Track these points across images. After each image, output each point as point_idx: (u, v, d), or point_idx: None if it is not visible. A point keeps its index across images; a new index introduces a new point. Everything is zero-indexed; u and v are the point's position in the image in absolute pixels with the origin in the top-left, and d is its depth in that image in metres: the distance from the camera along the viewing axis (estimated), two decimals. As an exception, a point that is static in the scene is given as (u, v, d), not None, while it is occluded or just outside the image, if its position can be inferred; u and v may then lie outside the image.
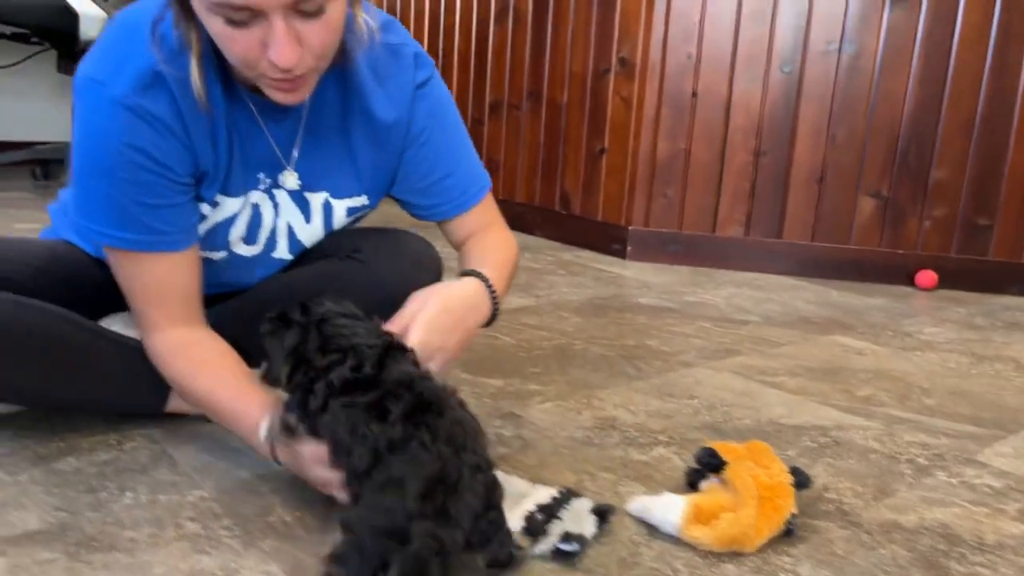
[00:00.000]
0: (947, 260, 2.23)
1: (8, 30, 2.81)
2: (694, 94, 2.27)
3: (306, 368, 0.78)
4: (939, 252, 2.24)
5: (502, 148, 2.79)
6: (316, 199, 1.03)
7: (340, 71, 0.94)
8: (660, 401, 1.26)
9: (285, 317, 0.81)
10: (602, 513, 0.86)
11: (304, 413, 0.79)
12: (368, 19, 0.92)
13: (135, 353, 1.02)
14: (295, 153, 0.98)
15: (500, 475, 0.91)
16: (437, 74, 1.05)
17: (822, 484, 1.00)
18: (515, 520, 0.82)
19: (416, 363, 0.80)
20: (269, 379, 0.82)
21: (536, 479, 0.95)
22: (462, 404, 0.78)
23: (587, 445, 1.08)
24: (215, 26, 0.77)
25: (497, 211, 1.12)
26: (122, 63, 0.85)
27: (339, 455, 0.76)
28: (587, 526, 0.84)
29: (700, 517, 0.87)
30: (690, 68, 2.26)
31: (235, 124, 0.92)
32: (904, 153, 2.20)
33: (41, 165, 3.12)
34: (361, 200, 1.06)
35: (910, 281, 2.24)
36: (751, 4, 2.19)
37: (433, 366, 0.86)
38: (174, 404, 1.05)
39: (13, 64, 3.17)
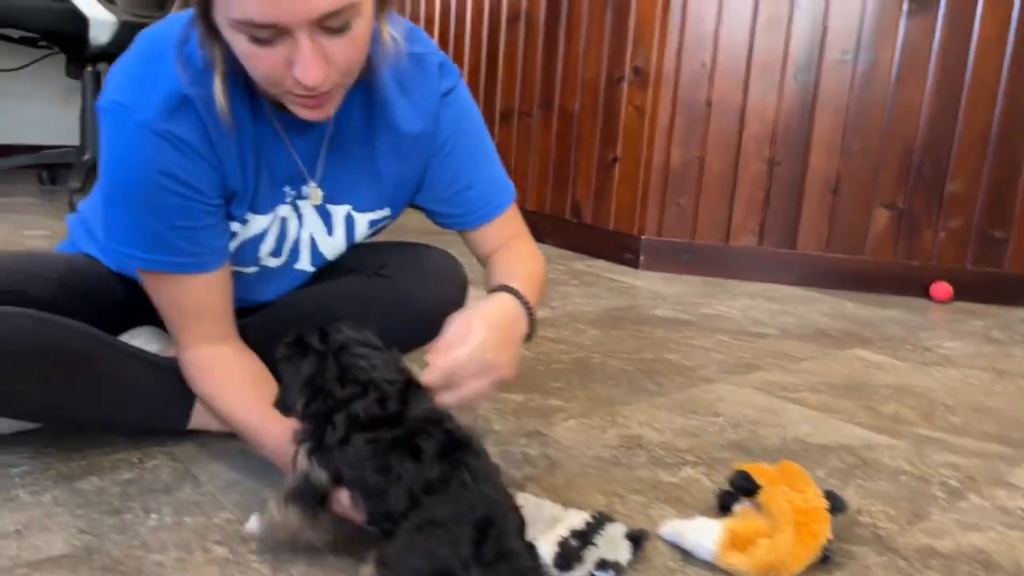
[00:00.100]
0: (962, 272, 2.22)
1: (16, 33, 2.79)
2: (708, 103, 2.26)
3: (324, 398, 0.75)
4: (954, 264, 2.22)
5: (513, 155, 2.77)
6: (338, 212, 1.02)
7: (364, 84, 0.93)
8: (684, 418, 1.25)
9: (302, 342, 0.78)
10: (636, 539, 0.84)
11: (319, 445, 0.76)
12: (394, 32, 0.90)
13: (157, 369, 1.01)
14: (319, 167, 0.97)
15: (531, 498, 0.91)
16: (462, 83, 1.03)
17: (855, 507, 0.99)
18: (548, 546, 0.80)
19: (433, 401, 0.78)
20: (283, 407, 0.79)
21: (566, 501, 0.93)
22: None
23: (614, 465, 1.07)
24: (239, 44, 0.76)
25: (522, 222, 1.10)
26: (149, 87, 0.83)
27: (367, 495, 0.74)
28: (622, 552, 0.82)
29: (736, 543, 0.85)
30: (704, 77, 2.24)
31: (261, 141, 0.91)
32: (919, 164, 2.19)
33: (48, 170, 3.10)
34: (383, 212, 1.05)
35: (925, 293, 2.23)
36: (766, 13, 2.18)
37: (492, 386, 0.84)
38: (196, 421, 1.04)
39: (21, 67, 3.15)
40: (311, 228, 1.01)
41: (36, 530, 0.83)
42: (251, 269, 1.02)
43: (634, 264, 2.37)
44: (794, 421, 1.27)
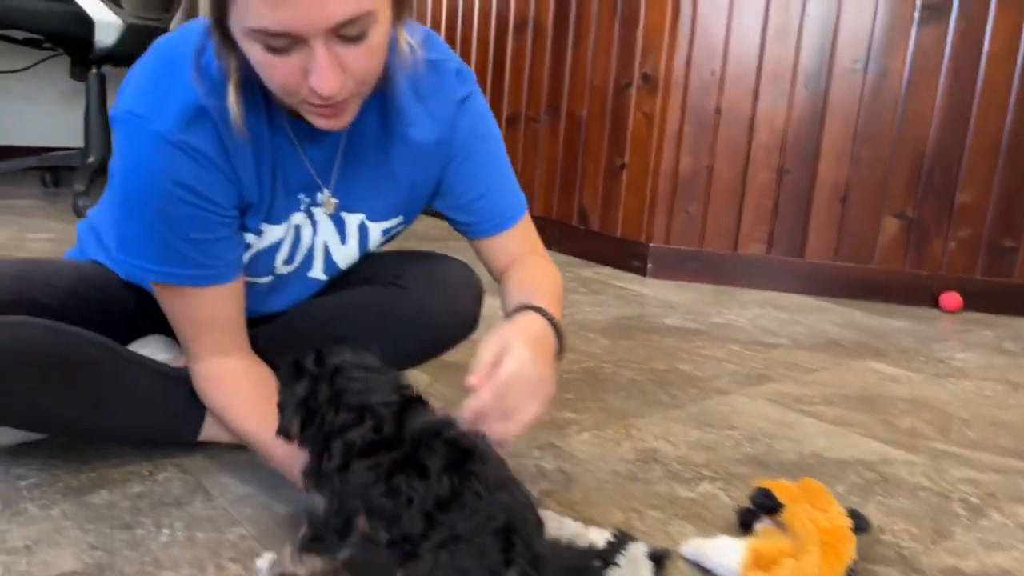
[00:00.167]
0: (972, 282, 2.20)
1: (20, 35, 2.77)
2: (718, 110, 2.25)
3: (319, 424, 0.72)
4: (963, 274, 2.21)
5: (519, 161, 2.76)
6: (352, 221, 1.00)
7: (380, 92, 0.91)
8: (699, 431, 1.23)
9: (299, 365, 0.75)
10: (658, 559, 0.83)
11: (317, 472, 0.74)
12: (411, 40, 0.89)
13: (167, 380, 0.99)
14: (333, 176, 0.95)
15: (552, 515, 0.89)
16: (478, 89, 1.02)
17: (877, 525, 0.97)
18: (570, 565, 0.78)
19: (434, 412, 0.76)
20: (281, 431, 0.76)
21: (584, 518, 0.92)
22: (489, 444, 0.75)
23: (631, 480, 1.05)
24: (255, 54, 0.74)
25: (536, 236, 1.08)
26: (165, 97, 0.82)
27: (380, 520, 0.72)
28: (644, 573, 0.80)
29: (760, 563, 0.83)
30: (714, 84, 2.23)
31: (276, 151, 0.90)
32: (929, 173, 2.18)
33: (51, 172, 3.08)
34: (396, 221, 1.04)
35: (934, 302, 2.22)
36: (777, 21, 2.17)
37: (546, 405, 0.80)
38: (206, 433, 1.02)
39: (24, 69, 3.14)
40: (325, 236, 1.00)
41: (46, 545, 0.81)
42: (265, 279, 1.00)
43: (642, 272, 2.36)
44: (810, 435, 1.25)
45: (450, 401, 0.76)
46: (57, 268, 1.05)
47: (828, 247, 2.26)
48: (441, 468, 0.70)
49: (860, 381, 1.54)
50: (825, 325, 1.95)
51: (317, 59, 0.72)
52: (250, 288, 0.99)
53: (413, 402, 0.74)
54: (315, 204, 0.96)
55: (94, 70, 2.72)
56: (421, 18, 3.19)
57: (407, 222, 1.05)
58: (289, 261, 1.00)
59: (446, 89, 0.97)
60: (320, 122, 0.81)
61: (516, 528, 0.66)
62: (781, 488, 0.93)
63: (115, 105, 0.85)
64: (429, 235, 2.65)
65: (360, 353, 0.75)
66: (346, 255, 1.03)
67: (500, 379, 0.75)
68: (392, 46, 0.85)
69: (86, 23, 2.46)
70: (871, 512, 1.01)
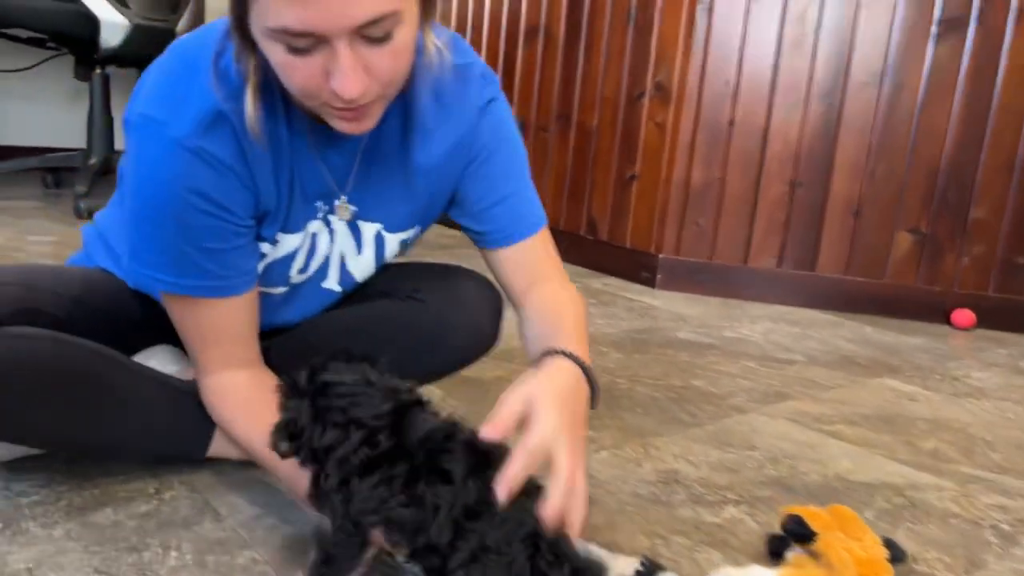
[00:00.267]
0: (984, 299, 2.18)
1: (24, 33, 2.74)
2: (731, 122, 2.22)
3: (308, 443, 0.69)
4: (976, 290, 2.19)
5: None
6: (368, 230, 0.97)
7: (403, 95, 0.88)
8: (720, 451, 1.20)
9: (294, 383, 0.72)
10: (689, 589, 0.79)
11: (315, 493, 0.72)
12: (439, 43, 0.86)
13: (176, 395, 0.96)
14: (350, 182, 0.92)
15: (577, 541, 0.85)
16: (503, 95, 0.98)
17: (910, 554, 0.94)
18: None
19: (436, 415, 0.73)
20: (276, 451, 0.73)
21: (609, 543, 0.88)
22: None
23: (654, 503, 1.02)
24: (276, 55, 0.71)
25: (556, 255, 1.02)
26: (182, 101, 0.78)
27: (402, 533, 0.69)
28: (675, 604, 0.77)
29: (794, 595, 0.80)
30: (728, 95, 2.21)
31: (295, 156, 0.86)
32: (944, 189, 2.15)
33: (52, 173, 3.05)
34: (413, 231, 1.00)
35: (946, 319, 2.19)
36: (792, 33, 2.15)
37: (578, 466, 0.72)
38: (215, 449, 0.98)
39: (27, 68, 3.10)
40: (342, 246, 0.97)
41: (48, 568, 0.77)
42: (280, 290, 0.97)
43: (651, 283, 2.33)
44: (833, 456, 1.22)
45: (462, 417, 0.72)
46: (63, 275, 1.02)
47: (840, 261, 2.24)
48: (465, 473, 0.67)
49: (878, 400, 1.51)
50: (838, 341, 1.92)
51: (340, 60, 0.69)
52: (263, 299, 0.95)
53: (411, 408, 0.70)
54: (332, 212, 0.93)
55: (98, 70, 2.69)
56: (429, 24, 3.16)
57: (423, 230, 1.02)
58: (304, 270, 0.97)
59: (470, 93, 0.94)
60: (342, 126, 0.77)
61: (542, 533, 0.64)
62: (812, 515, 0.90)
63: (128, 108, 0.82)
64: (440, 244, 2.63)
65: (358, 366, 0.71)
66: (362, 266, 1.00)
67: (527, 448, 0.67)
68: (419, 48, 0.82)
69: (92, 23, 2.43)
70: (902, 539, 0.97)
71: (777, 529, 0.91)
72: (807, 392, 1.52)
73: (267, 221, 0.87)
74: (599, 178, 2.49)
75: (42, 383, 0.85)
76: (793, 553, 0.88)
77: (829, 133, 2.18)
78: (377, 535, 0.71)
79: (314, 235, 0.93)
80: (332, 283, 1.01)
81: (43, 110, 3.28)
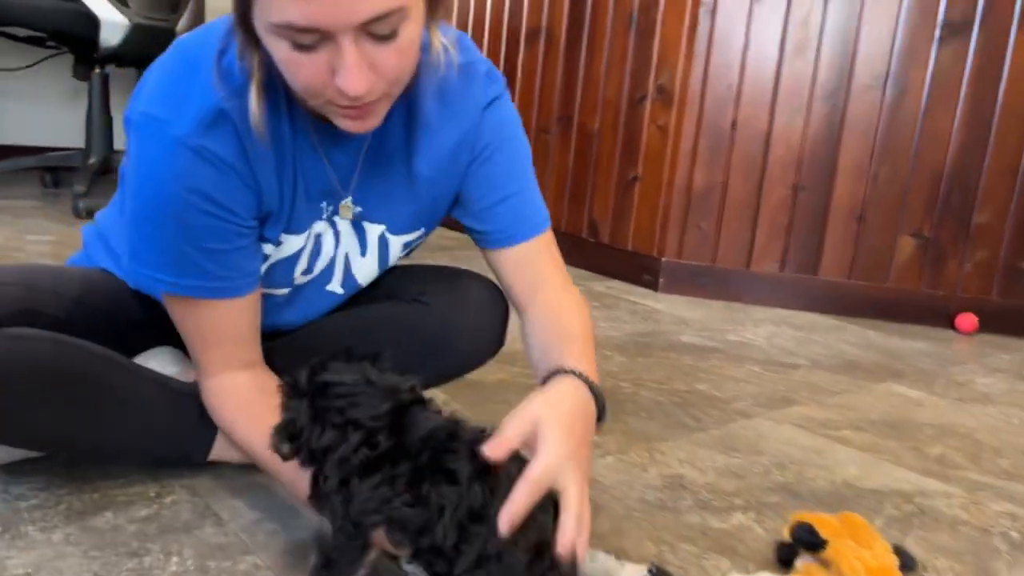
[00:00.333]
0: (987, 303, 2.17)
1: (22, 32, 2.73)
2: (733, 125, 2.21)
3: (307, 444, 0.68)
4: (979, 295, 2.18)
5: (528, 172, 2.72)
6: (373, 231, 0.96)
7: (408, 95, 0.87)
8: (726, 457, 1.19)
9: (295, 383, 0.71)
10: (699, 597, 0.78)
11: (315, 495, 0.71)
12: (445, 41, 0.85)
13: (177, 397, 0.94)
14: (354, 181, 0.90)
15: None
16: (507, 93, 0.97)
17: (920, 562, 0.93)
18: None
19: (438, 412, 0.72)
20: (278, 453, 0.72)
21: (616, 550, 0.87)
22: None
23: (660, 509, 1.01)
24: (280, 51, 0.70)
25: (559, 259, 1.00)
26: (185, 100, 0.77)
27: (405, 533, 0.68)
28: (685, 613, 0.76)
29: (806, 604, 0.79)
30: (730, 98, 2.20)
31: (298, 156, 0.85)
32: (947, 193, 2.14)
33: (51, 172, 3.03)
34: (417, 233, 0.99)
35: (949, 324, 2.18)
36: (795, 36, 2.14)
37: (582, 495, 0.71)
38: (216, 453, 0.97)
39: (26, 67, 3.09)
40: (347, 247, 0.95)
41: (47, 573, 0.76)
42: (283, 291, 0.96)
43: (653, 286, 2.32)
44: (840, 462, 1.21)
45: (466, 419, 0.71)
46: (63, 276, 1.00)
47: (843, 265, 2.23)
48: (470, 474, 0.66)
49: (884, 405, 1.50)
50: (842, 345, 1.91)
51: (345, 57, 0.68)
52: (266, 300, 0.94)
53: (412, 406, 0.69)
54: (337, 212, 0.92)
55: (98, 70, 2.68)
56: (430, 25, 3.15)
57: (427, 232, 1.01)
58: (308, 271, 0.95)
59: (474, 91, 0.92)
60: (347, 124, 0.76)
61: (547, 541, 0.64)
62: (821, 522, 0.89)
63: (129, 107, 0.80)
64: (441, 245, 2.61)
65: (358, 365, 0.70)
66: (365, 269, 0.99)
67: (531, 479, 0.66)
68: (425, 47, 0.81)
69: (92, 22, 2.42)
70: (912, 547, 0.96)
71: (785, 536, 0.90)
72: (812, 397, 1.50)
73: (270, 222, 0.86)
74: (601, 180, 2.48)
75: (41, 384, 0.83)
76: (803, 561, 0.87)
77: (832, 137, 2.17)
78: (379, 537, 0.70)
79: (318, 236, 0.92)
80: (335, 286, 0.99)
81: (42, 109, 3.26)
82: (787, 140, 2.19)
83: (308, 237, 0.91)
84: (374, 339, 0.98)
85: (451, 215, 0.99)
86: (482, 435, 0.69)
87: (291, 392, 0.70)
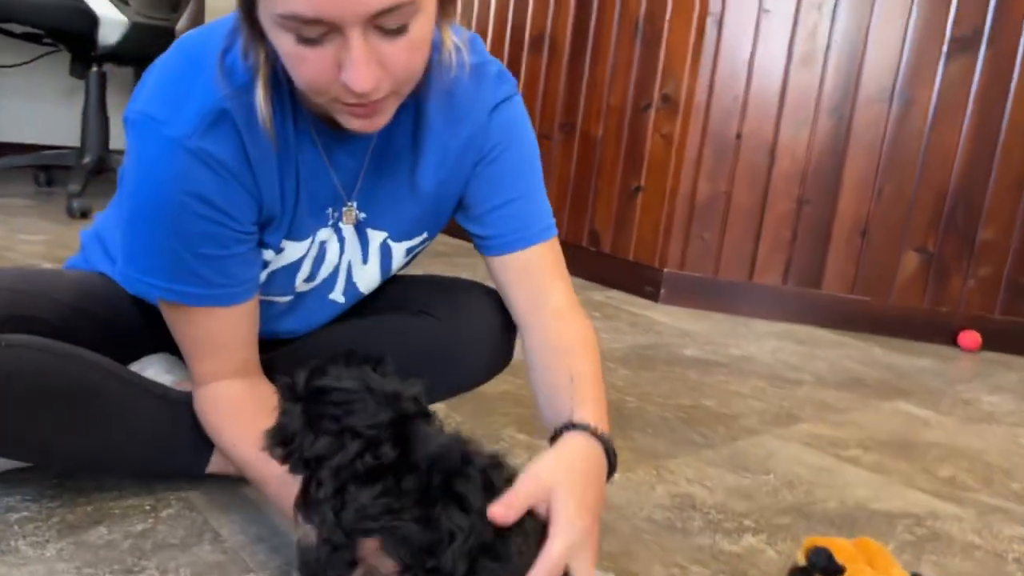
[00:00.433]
0: (990, 321, 2.16)
1: (19, 28, 2.69)
2: (738, 136, 2.19)
3: (299, 453, 0.65)
4: (982, 312, 2.16)
5: (529, 179, 2.69)
6: (375, 237, 0.93)
7: (417, 95, 0.84)
8: (735, 476, 1.16)
9: (292, 386, 0.67)
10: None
11: (303, 502, 0.67)
12: (457, 41, 0.82)
13: (174, 407, 0.91)
14: (358, 184, 0.88)
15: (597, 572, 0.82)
16: (519, 96, 0.93)
17: (937, 590, 0.91)
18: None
19: (440, 425, 0.69)
20: (272, 456, 0.68)
21: (625, 572, 0.85)
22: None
23: (670, 530, 0.98)
24: (285, 45, 0.67)
25: (564, 269, 0.95)
26: (185, 100, 0.74)
27: (404, 548, 0.65)
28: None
29: (824, 633, 0.77)
30: (736, 109, 2.18)
31: (301, 159, 0.82)
32: (952, 209, 2.13)
33: (44, 171, 2.99)
34: (421, 238, 0.96)
35: (951, 340, 2.17)
36: (802, 48, 2.13)
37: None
38: (215, 465, 0.94)
39: (22, 64, 3.05)
40: (351, 254, 0.93)
41: (38, 591, 0.73)
42: (286, 299, 0.93)
43: (654, 297, 2.30)
44: (850, 483, 1.18)
45: (470, 434, 0.68)
46: (59, 280, 0.97)
47: (846, 280, 2.21)
48: (483, 505, 0.63)
49: (891, 424, 1.48)
50: (846, 361, 1.89)
51: (352, 51, 0.65)
52: (266, 307, 0.91)
53: (415, 419, 0.66)
54: (342, 219, 0.89)
55: (95, 68, 2.64)
56: (432, 29, 3.13)
57: (431, 237, 0.98)
58: (311, 279, 0.92)
59: (484, 92, 0.89)
60: (353, 123, 0.73)
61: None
62: (838, 547, 0.86)
63: (129, 107, 0.77)
64: (437, 251, 2.59)
65: (359, 370, 0.67)
66: (367, 277, 0.96)
67: (552, 559, 0.65)
68: (436, 46, 0.78)
69: (90, 19, 2.39)
70: (927, 572, 0.94)
71: (800, 560, 0.88)
72: (818, 414, 1.48)
73: (271, 227, 0.83)
74: (603, 189, 2.46)
75: (34, 394, 0.80)
76: (819, 587, 0.85)
77: (837, 150, 2.15)
78: (367, 550, 0.67)
79: (323, 243, 0.89)
80: (337, 294, 0.97)
81: (37, 107, 3.22)
82: (792, 152, 2.18)
83: (311, 244, 0.88)
84: (380, 351, 0.95)
85: (453, 219, 0.96)
86: (493, 460, 0.67)
87: (287, 395, 0.67)
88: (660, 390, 1.51)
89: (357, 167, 0.86)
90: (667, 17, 2.25)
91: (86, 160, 2.63)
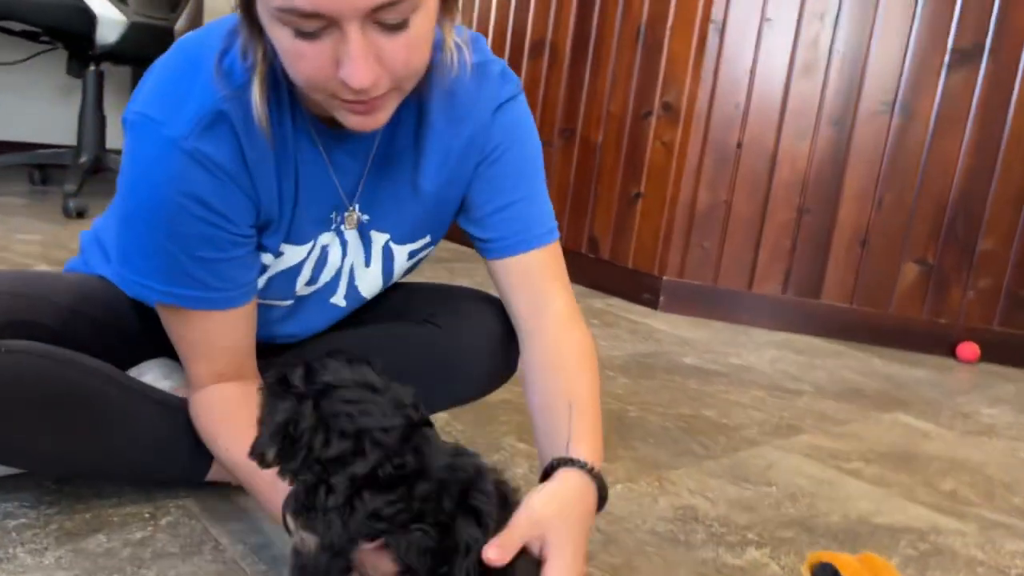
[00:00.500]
0: (989, 332, 2.16)
1: (17, 26, 2.67)
2: (739, 144, 2.19)
3: (306, 454, 0.62)
4: (981, 324, 2.17)
5: (528, 184, 2.69)
6: (378, 240, 0.92)
7: (419, 94, 0.82)
8: (737, 488, 1.16)
9: (285, 381, 0.64)
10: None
11: (304, 507, 0.64)
12: (459, 40, 0.81)
13: (174, 414, 0.90)
14: (361, 187, 0.87)
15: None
16: (522, 95, 0.92)
17: (942, 606, 0.90)
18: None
19: (439, 440, 0.68)
20: (255, 456, 0.64)
21: (631, 588, 0.84)
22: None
23: (673, 543, 0.97)
24: (283, 40, 0.66)
25: (564, 275, 0.94)
26: (182, 101, 0.73)
27: (413, 554, 0.65)
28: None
29: (831, 651, 0.76)
30: (737, 118, 2.18)
31: (300, 160, 0.81)
32: (952, 220, 2.13)
33: (40, 169, 2.97)
34: (424, 241, 0.95)
35: (950, 351, 2.17)
36: (804, 57, 2.13)
37: None
38: (215, 473, 0.93)
39: (18, 61, 3.03)
40: (353, 256, 0.91)
41: (36, 601, 0.72)
42: (286, 302, 0.92)
43: (653, 305, 2.29)
44: (852, 496, 1.18)
45: (467, 440, 0.68)
46: (57, 284, 0.96)
47: (845, 290, 2.21)
48: (498, 522, 0.64)
49: (891, 436, 1.47)
50: (845, 372, 1.89)
51: (350, 46, 0.64)
52: (266, 311, 0.90)
53: (418, 428, 0.65)
54: (344, 222, 0.88)
55: (92, 67, 2.62)
56: (432, 33, 3.12)
57: (434, 242, 0.97)
58: (312, 282, 0.91)
59: (487, 92, 0.87)
60: (351, 120, 0.71)
61: None
62: (842, 563, 0.85)
63: (127, 107, 0.76)
64: (437, 257, 2.57)
65: (360, 368, 0.65)
66: (369, 281, 0.95)
67: None
68: (438, 45, 0.77)
69: (88, 18, 2.37)
70: (931, 589, 0.94)
71: (803, 575, 0.87)
72: (819, 426, 1.48)
73: (269, 230, 0.82)
74: (602, 195, 2.46)
75: (34, 400, 0.79)
76: (824, 603, 0.84)
77: (838, 160, 2.15)
78: (365, 556, 0.66)
79: (325, 247, 0.88)
80: (339, 299, 0.96)
81: (34, 105, 3.20)
82: (793, 162, 2.17)
83: (312, 248, 0.87)
84: (383, 359, 0.94)
85: (457, 223, 0.95)
86: (498, 478, 0.67)
87: (280, 390, 0.63)
88: (660, 399, 1.51)
89: (358, 168, 0.85)
90: (669, 24, 2.25)
91: (82, 159, 2.62)
